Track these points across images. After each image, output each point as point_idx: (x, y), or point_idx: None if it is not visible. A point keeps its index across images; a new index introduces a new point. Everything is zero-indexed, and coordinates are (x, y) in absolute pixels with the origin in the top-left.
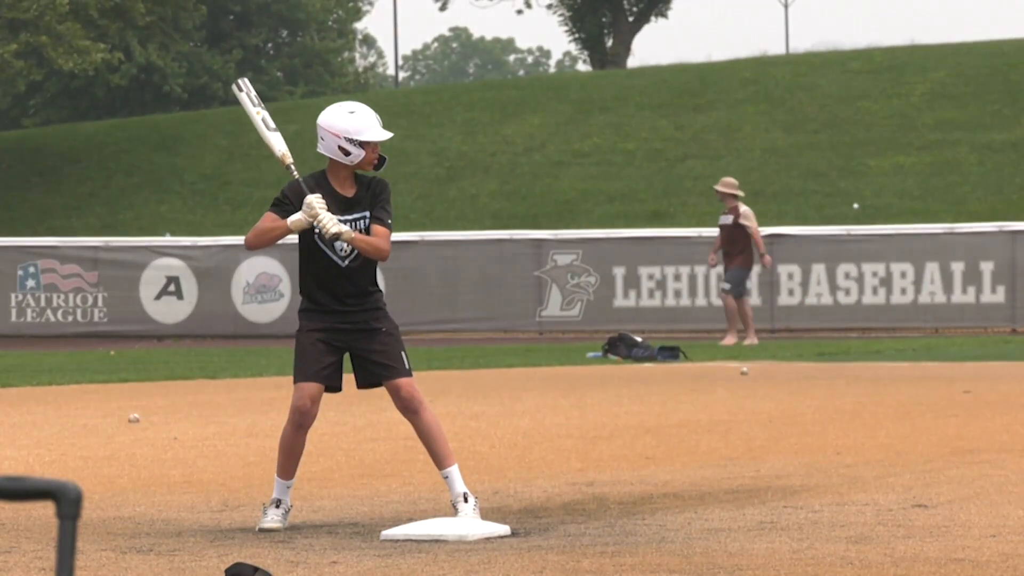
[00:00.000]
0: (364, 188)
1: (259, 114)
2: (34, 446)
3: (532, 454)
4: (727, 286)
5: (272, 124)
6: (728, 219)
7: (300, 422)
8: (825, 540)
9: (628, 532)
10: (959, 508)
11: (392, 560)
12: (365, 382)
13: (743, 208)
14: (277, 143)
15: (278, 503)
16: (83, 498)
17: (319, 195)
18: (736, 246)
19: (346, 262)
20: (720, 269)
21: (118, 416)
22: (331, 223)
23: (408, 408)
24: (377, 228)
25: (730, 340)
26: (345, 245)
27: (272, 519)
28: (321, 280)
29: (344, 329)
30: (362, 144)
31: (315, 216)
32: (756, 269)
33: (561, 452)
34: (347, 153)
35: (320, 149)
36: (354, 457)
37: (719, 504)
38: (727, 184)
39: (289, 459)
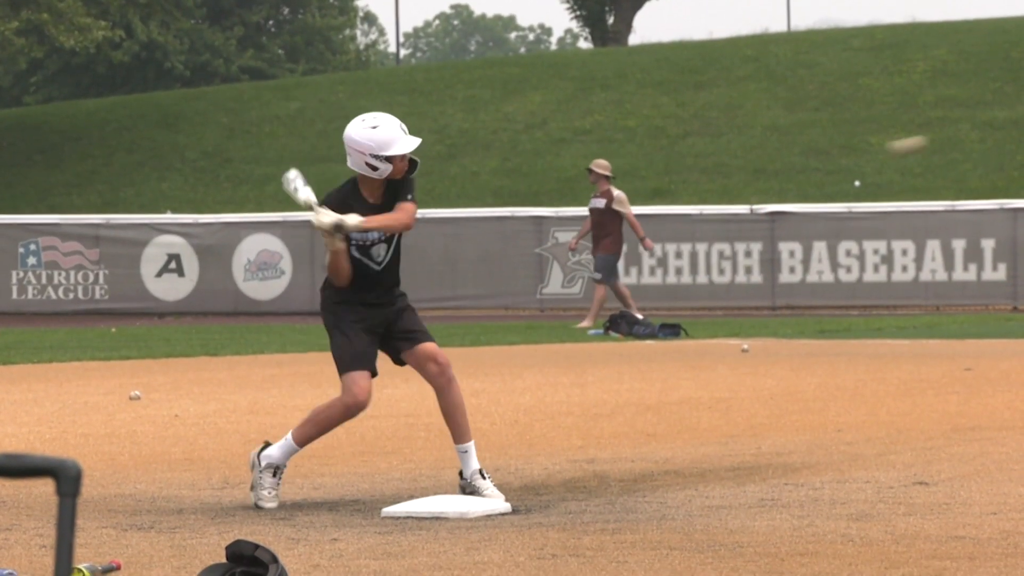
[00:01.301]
0: (391, 192)
1: (304, 196)
2: (35, 423)
3: (533, 431)
4: (598, 276)
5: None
6: (600, 203)
7: (354, 414)
8: (826, 517)
9: (629, 509)
10: (960, 486)
11: (393, 537)
12: (399, 358)
13: (616, 192)
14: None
15: (276, 470)
16: (83, 475)
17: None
18: (604, 230)
19: (381, 265)
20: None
21: (119, 393)
22: (325, 216)
23: (444, 374)
24: (401, 204)
25: (587, 323)
26: (372, 236)
27: (270, 495)
28: (357, 282)
29: (379, 317)
30: (388, 158)
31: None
32: (625, 249)
33: (562, 429)
34: (374, 168)
35: (350, 164)
36: (355, 434)
37: (720, 481)
38: (602, 166)
39: (319, 434)
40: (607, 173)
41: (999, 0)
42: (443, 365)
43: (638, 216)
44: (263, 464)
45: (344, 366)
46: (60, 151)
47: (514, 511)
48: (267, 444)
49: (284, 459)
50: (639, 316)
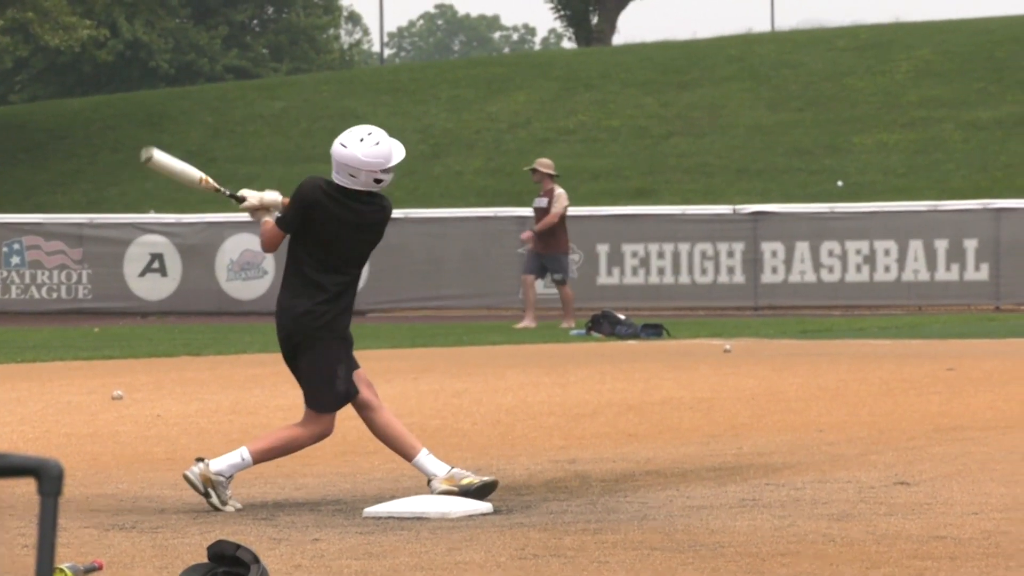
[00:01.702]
0: None
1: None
2: (18, 423)
3: (515, 432)
4: (559, 276)
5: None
6: (543, 202)
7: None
8: (807, 517)
9: (610, 509)
10: (941, 485)
11: (374, 537)
12: None
13: (558, 190)
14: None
15: (230, 477)
16: (65, 475)
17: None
18: (550, 229)
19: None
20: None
21: (102, 393)
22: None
23: (377, 395)
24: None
25: (528, 323)
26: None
27: (232, 496)
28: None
29: None
30: (390, 168)
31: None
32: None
33: (544, 429)
34: (380, 181)
35: (350, 185)
36: (337, 434)
37: (701, 481)
38: (545, 165)
39: (281, 456)
40: (551, 172)
41: (983, 0)
42: (373, 387)
43: (623, 216)
44: (224, 479)
45: (334, 405)
46: (45, 150)
47: (495, 511)
48: (201, 460)
49: (234, 473)
50: (622, 316)
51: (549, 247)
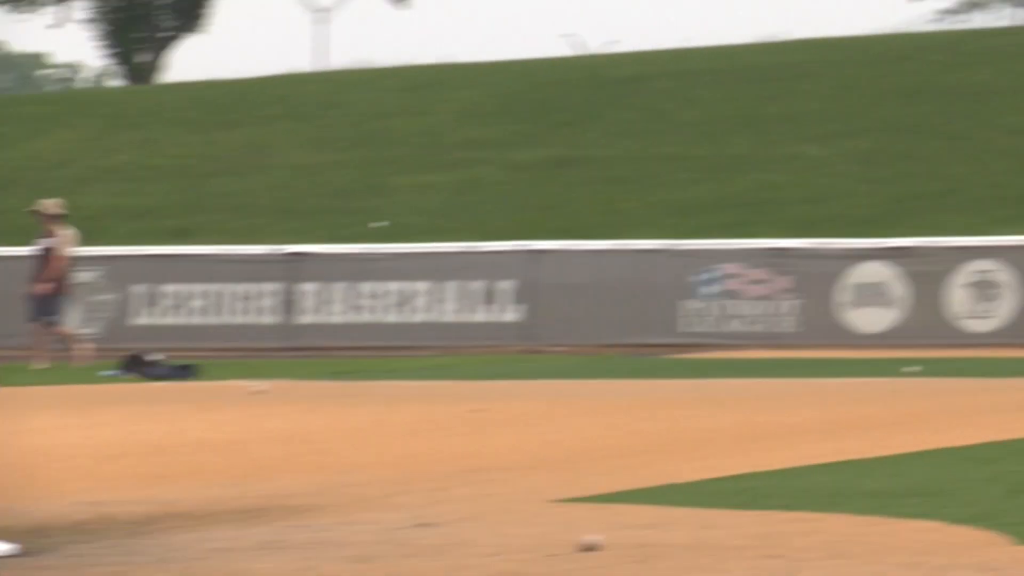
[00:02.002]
0: None
1: None
2: None
3: (41, 473)
4: (55, 318)
5: None
6: (48, 243)
7: None
8: (329, 559)
9: (132, 551)
10: (464, 527)
11: None
12: None
13: (64, 232)
14: None
15: None
16: None
17: None
18: (51, 271)
19: None
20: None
21: None
22: None
23: None
24: None
25: (43, 363)
26: None
27: None
28: None
29: None
30: None
31: None
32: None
33: (70, 471)
34: None
35: None
36: None
37: (226, 523)
38: (49, 206)
39: None
40: (57, 212)
41: (529, 42)
42: None
43: (161, 256)
44: None
45: None
46: None
47: (20, 554)
48: None
49: None
50: (157, 357)
51: (50, 288)
